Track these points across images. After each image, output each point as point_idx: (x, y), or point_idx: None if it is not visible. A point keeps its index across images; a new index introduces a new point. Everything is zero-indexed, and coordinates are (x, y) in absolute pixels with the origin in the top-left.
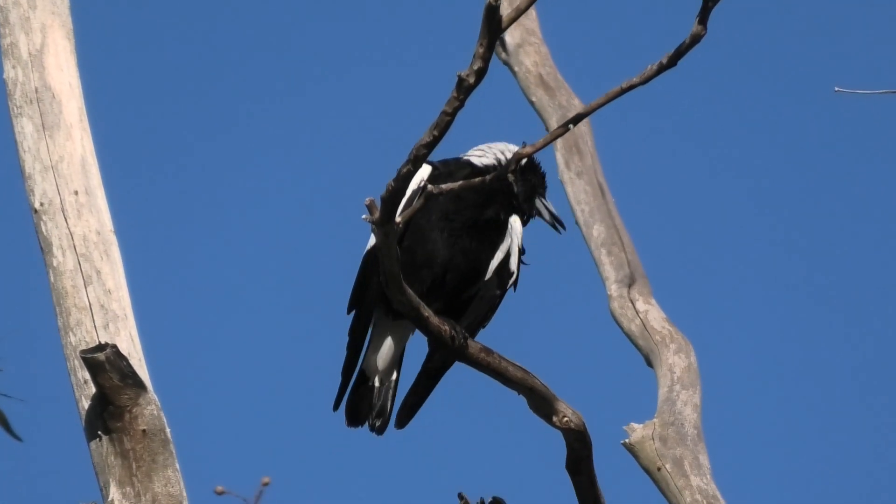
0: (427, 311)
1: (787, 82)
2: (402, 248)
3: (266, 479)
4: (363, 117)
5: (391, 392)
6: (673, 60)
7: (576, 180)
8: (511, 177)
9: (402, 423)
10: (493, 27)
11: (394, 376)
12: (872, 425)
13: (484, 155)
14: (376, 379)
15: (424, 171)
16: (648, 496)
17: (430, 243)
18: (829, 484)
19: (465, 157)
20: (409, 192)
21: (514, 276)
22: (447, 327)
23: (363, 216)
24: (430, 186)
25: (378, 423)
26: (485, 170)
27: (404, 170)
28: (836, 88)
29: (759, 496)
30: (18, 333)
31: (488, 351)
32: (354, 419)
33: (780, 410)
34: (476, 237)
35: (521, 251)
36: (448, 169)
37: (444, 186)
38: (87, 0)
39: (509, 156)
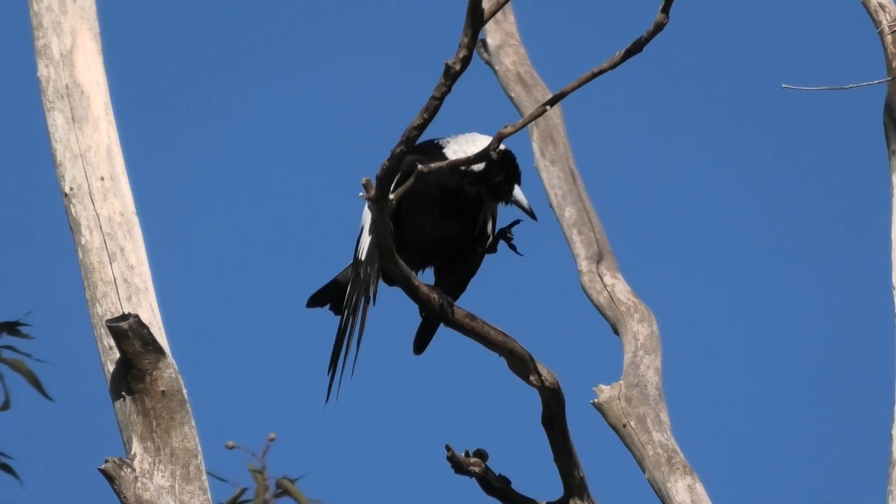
0: (417, 281)
1: (743, 75)
2: (398, 230)
3: (272, 435)
4: (364, 102)
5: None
6: (638, 46)
7: (550, 167)
8: (493, 155)
9: (419, 350)
10: (476, 19)
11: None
12: (822, 384)
13: (455, 147)
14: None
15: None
16: (615, 450)
17: (420, 226)
18: (781, 437)
19: (441, 144)
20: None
21: (490, 238)
22: (435, 295)
23: (360, 193)
24: (420, 166)
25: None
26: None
27: (397, 150)
28: (784, 85)
29: (714, 449)
30: (50, 305)
31: (472, 317)
32: (313, 304)
33: (735, 372)
34: (460, 216)
35: (510, 237)
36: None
37: (433, 165)
38: (112, 4)
39: (476, 149)
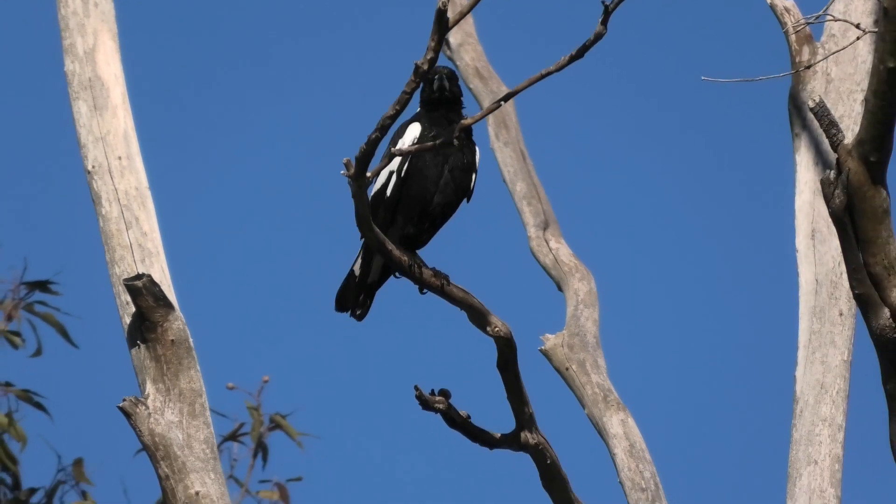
0: (391, 246)
1: (671, 70)
2: (409, 189)
3: (266, 378)
4: (356, 91)
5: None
6: (580, 53)
7: (503, 149)
8: (456, 142)
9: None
10: (442, 26)
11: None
12: (735, 333)
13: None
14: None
15: (416, 129)
16: (559, 390)
17: (428, 184)
18: (700, 378)
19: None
20: (408, 142)
21: (471, 191)
22: (406, 258)
23: (342, 171)
24: (392, 149)
25: (359, 312)
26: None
27: (373, 136)
28: (703, 77)
29: (643, 389)
30: (75, 267)
31: (438, 275)
32: (341, 306)
33: (661, 323)
34: (459, 175)
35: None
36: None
37: (403, 149)
38: (129, 6)
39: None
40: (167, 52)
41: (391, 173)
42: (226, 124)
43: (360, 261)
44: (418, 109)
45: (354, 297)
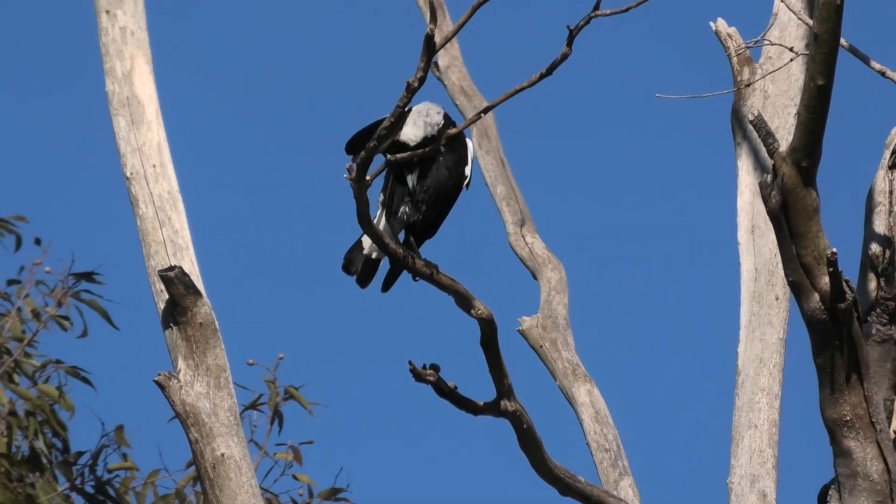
0: (387, 239)
1: (629, 88)
2: (424, 180)
3: (281, 355)
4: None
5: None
6: (549, 71)
7: (485, 156)
8: (443, 149)
9: (385, 289)
10: (430, 49)
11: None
12: (686, 315)
13: (416, 125)
14: (372, 252)
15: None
16: (534, 365)
17: (439, 176)
18: (657, 355)
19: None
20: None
21: (469, 178)
22: (400, 250)
23: (344, 175)
24: (388, 156)
25: (357, 281)
26: (424, 140)
27: (371, 145)
28: (657, 94)
29: (607, 363)
30: (116, 259)
31: (428, 265)
32: (347, 269)
33: (622, 307)
34: (456, 168)
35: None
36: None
37: (398, 156)
38: (162, 34)
39: (436, 118)
40: (197, 70)
41: (401, 164)
42: (245, 134)
43: (367, 245)
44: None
45: (359, 265)
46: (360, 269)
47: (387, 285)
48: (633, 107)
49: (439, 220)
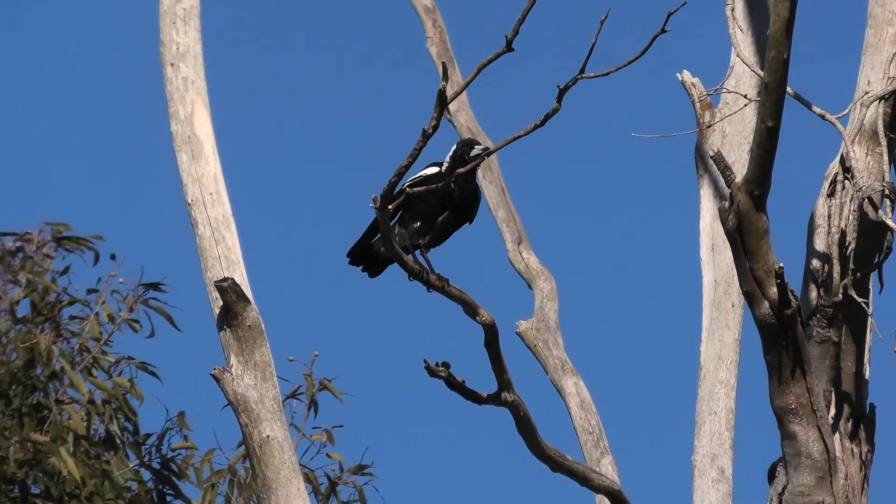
0: (406, 257)
1: (610, 129)
2: (422, 208)
3: (316, 353)
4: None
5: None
6: (542, 122)
7: (489, 185)
8: (453, 185)
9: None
10: (442, 102)
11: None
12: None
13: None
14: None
15: (432, 169)
16: (530, 362)
17: (428, 212)
18: (636, 353)
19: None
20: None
21: (473, 216)
22: (417, 266)
23: (370, 204)
24: (407, 189)
25: (369, 273)
26: (439, 174)
27: (393, 180)
28: (633, 133)
29: (591, 358)
30: (178, 272)
31: (440, 279)
32: (354, 262)
33: (604, 313)
34: (453, 207)
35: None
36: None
37: (416, 189)
38: (218, 80)
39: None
40: (249, 112)
41: (420, 192)
42: (290, 167)
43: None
44: (446, 160)
45: (365, 258)
46: (366, 262)
47: (373, 269)
48: (614, 144)
49: (445, 239)
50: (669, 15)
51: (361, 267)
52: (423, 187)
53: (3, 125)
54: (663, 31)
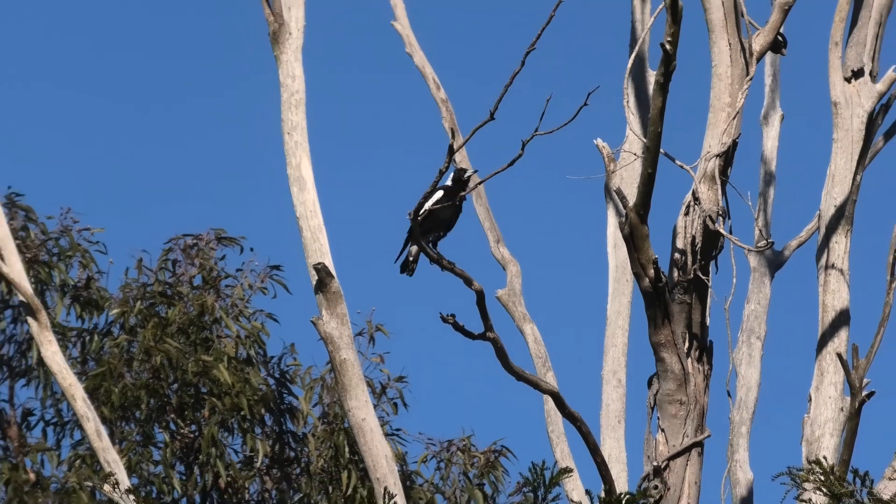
0: (429, 248)
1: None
2: (436, 218)
3: (373, 308)
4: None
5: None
6: (511, 164)
7: (478, 205)
8: (458, 202)
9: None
10: (451, 151)
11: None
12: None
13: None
14: (413, 256)
15: (440, 193)
16: (505, 316)
17: (448, 217)
18: (569, 308)
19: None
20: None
21: (460, 212)
22: (435, 255)
23: (407, 215)
24: (427, 206)
25: (408, 273)
26: (447, 193)
27: (421, 201)
28: (568, 175)
29: (541, 312)
30: (290, 261)
31: (451, 263)
32: (403, 270)
33: (551, 282)
34: (456, 211)
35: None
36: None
37: (433, 206)
38: (317, 140)
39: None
40: (333, 155)
41: (435, 207)
42: (361, 188)
43: (413, 248)
44: (448, 182)
45: (407, 267)
46: (408, 270)
47: (412, 271)
48: (558, 180)
49: (447, 233)
50: (589, 95)
51: (405, 273)
52: (439, 206)
53: (197, 165)
54: (585, 104)
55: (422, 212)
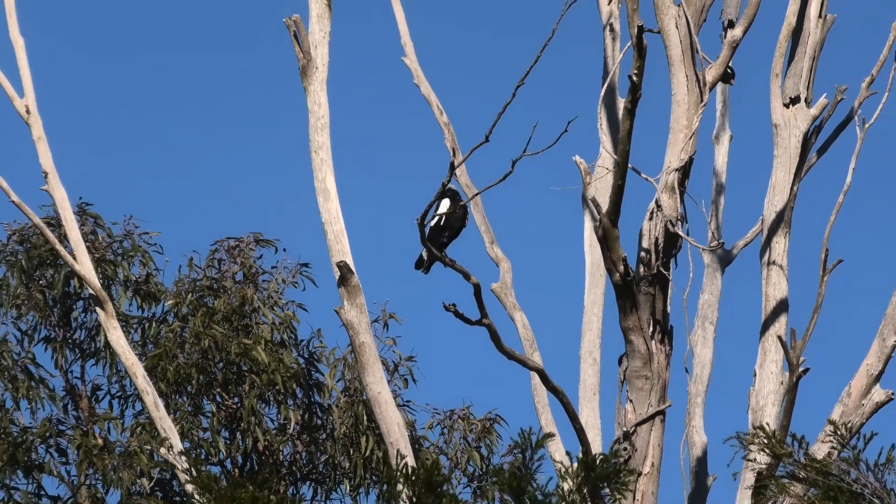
0: (435, 250)
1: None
2: (447, 223)
3: (387, 300)
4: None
5: (431, 263)
6: (503, 178)
7: (476, 213)
8: (458, 211)
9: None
10: (452, 167)
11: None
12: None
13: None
14: (426, 257)
15: (446, 203)
16: (498, 305)
17: (454, 223)
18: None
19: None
20: (442, 208)
21: (466, 224)
22: (440, 254)
23: (415, 219)
24: (434, 213)
25: (423, 271)
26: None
27: (426, 210)
28: (553, 187)
29: (529, 303)
30: (318, 260)
31: (453, 261)
32: (418, 267)
33: (535, 277)
34: (461, 220)
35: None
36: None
37: (439, 212)
38: (339, 155)
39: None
40: (354, 169)
41: (440, 217)
42: (380, 196)
43: (426, 252)
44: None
45: (422, 264)
46: (422, 267)
47: (427, 269)
48: (543, 191)
49: (453, 238)
50: (569, 123)
51: (420, 270)
52: (447, 212)
53: (241, 179)
54: (566, 130)
55: (435, 218)
